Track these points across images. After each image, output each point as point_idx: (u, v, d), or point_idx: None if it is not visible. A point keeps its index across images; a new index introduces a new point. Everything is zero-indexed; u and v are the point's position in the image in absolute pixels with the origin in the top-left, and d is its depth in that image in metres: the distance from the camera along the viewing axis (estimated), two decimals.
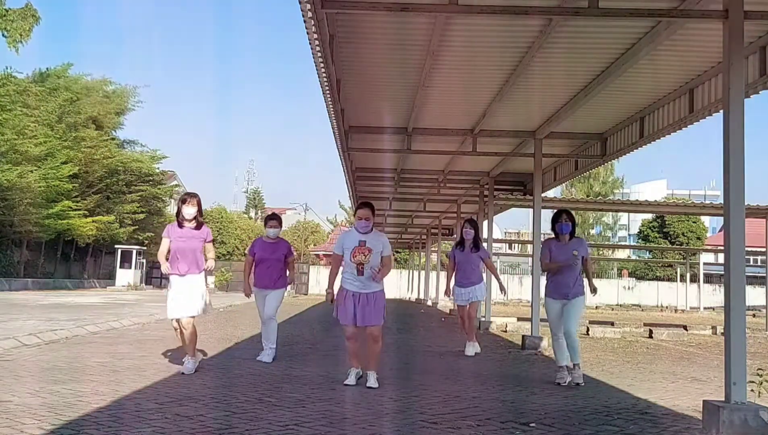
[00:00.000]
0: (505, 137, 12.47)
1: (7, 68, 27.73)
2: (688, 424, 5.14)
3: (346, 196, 20.81)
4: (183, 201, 6.82)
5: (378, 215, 27.54)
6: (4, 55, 44.51)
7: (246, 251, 8.42)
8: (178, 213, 6.82)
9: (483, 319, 14.94)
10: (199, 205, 6.80)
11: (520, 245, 57.93)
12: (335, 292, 6.34)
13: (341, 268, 6.34)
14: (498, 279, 10.31)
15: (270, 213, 8.74)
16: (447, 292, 9.98)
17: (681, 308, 38.21)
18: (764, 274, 21.00)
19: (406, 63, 8.57)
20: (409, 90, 9.68)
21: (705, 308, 37.47)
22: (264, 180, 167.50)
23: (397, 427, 4.64)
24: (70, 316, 12.87)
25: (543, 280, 7.97)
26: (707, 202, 45.56)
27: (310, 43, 6.80)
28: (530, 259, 27.33)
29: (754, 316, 24.48)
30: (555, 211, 7.55)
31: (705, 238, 57.70)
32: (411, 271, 44.49)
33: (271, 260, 8.04)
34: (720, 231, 60.00)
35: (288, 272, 8.15)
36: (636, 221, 69.36)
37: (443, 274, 36.86)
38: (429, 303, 31.06)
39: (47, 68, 32.86)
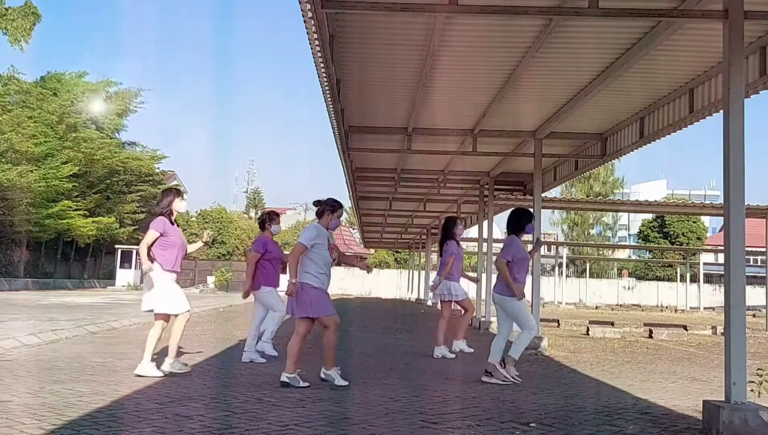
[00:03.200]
0: (505, 137, 12.47)
1: (10, 67, 27.82)
2: (688, 424, 5.13)
3: (346, 196, 20.78)
4: (180, 194, 6.61)
5: (378, 215, 27.53)
6: (8, 55, 44.57)
7: (252, 249, 8.10)
8: (168, 206, 6.47)
9: (483, 319, 14.95)
10: None
11: None
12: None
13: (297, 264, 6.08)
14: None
15: (270, 211, 8.72)
16: (434, 288, 9.68)
17: (681, 308, 38.22)
18: (764, 274, 21.00)
19: (406, 63, 8.57)
20: (409, 90, 9.68)
21: (705, 308, 37.47)
22: (264, 180, 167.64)
23: (397, 427, 4.64)
24: (70, 316, 12.87)
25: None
26: (707, 202, 45.61)
27: (310, 43, 6.80)
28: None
29: (754, 316, 24.48)
30: (519, 208, 7.46)
31: (705, 238, 57.77)
32: (411, 271, 44.47)
33: (280, 258, 8.13)
34: (720, 231, 60.01)
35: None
36: (636, 221, 69.40)
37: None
38: (429, 303, 31.04)
39: (49, 71, 32.96)
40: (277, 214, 8.42)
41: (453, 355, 9.02)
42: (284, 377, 6.03)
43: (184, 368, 6.49)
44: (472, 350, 9.32)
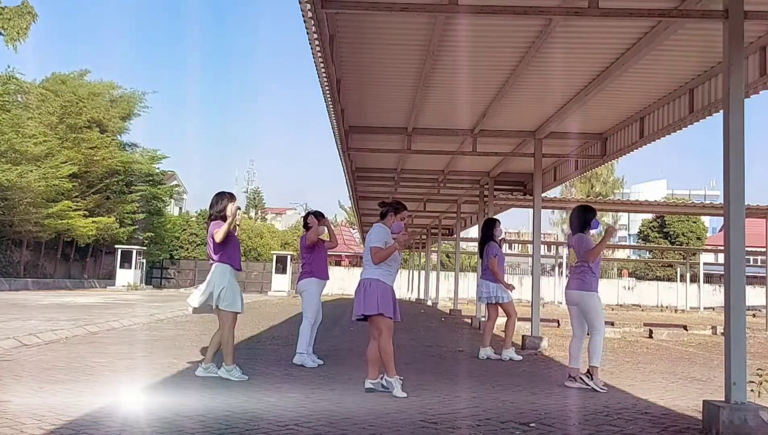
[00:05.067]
0: (505, 137, 12.47)
1: (8, 67, 27.81)
2: (688, 424, 5.14)
3: (346, 196, 20.80)
4: (233, 199, 6.72)
5: (378, 215, 27.48)
6: (9, 55, 44.56)
7: (302, 243, 8.22)
8: (223, 210, 6.59)
9: (483, 318, 14.95)
10: None
11: (520, 245, 57.94)
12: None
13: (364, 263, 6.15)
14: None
15: (316, 211, 8.58)
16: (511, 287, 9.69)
17: (681, 308, 38.21)
18: (764, 274, 21.00)
19: (406, 63, 8.57)
20: (409, 90, 9.69)
21: (705, 308, 37.48)
22: (264, 180, 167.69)
23: (397, 427, 4.64)
24: (70, 316, 12.87)
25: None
26: (707, 202, 45.58)
27: (310, 43, 6.80)
28: (530, 259, 27.36)
29: (754, 316, 24.47)
30: (582, 205, 7.43)
31: (705, 238, 57.70)
32: (411, 271, 44.50)
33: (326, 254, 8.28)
34: (720, 231, 59.99)
35: None
36: (636, 221, 69.40)
37: (443, 275, 37.00)
38: (429, 303, 31.06)
39: (54, 72, 32.98)
40: (323, 215, 8.39)
41: (498, 356, 9.14)
42: (368, 383, 6.01)
43: (243, 377, 6.50)
44: (500, 356, 9.22)
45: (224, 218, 6.58)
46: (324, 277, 8.11)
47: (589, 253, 6.87)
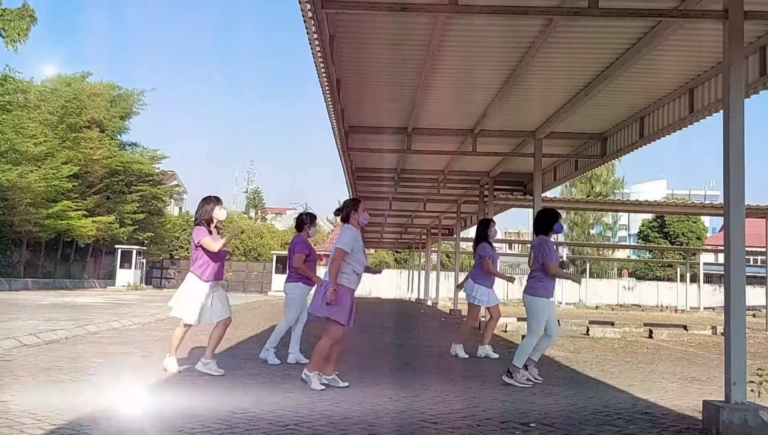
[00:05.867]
0: (505, 137, 12.48)
1: (6, 66, 27.80)
2: (688, 424, 5.13)
3: (346, 196, 20.82)
4: (219, 202, 6.58)
5: (378, 215, 27.53)
6: (9, 56, 44.52)
7: (295, 250, 7.82)
8: (208, 214, 6.48)
9: (483, 318, 14.94)
10: None
11: (520, 245, 57.97)
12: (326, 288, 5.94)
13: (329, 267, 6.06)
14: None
15: (309, 212, 8.50)
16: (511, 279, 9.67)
17: (681, 308, 38.19)
18: (764, 274, 21.01)
19: (406, 63, 8.58)
20: (409, 90, 9.69)
21: (705, 308, 37.45)
22: (264, 180, 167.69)
23: (397, 427, 4.64)
24: (70, 316, 12.86)
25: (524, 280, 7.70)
26: (707, 202, 45.61)
27: (310, 43, 6.81)
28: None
29: (754, 316, 24.47)
30: (545, 209, 7.48)
31: (705, 238, 57.72)
32: (411, 271, 44.49)
33: (315, 260, 8.10)
34: (720, 231, 59.98)
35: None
36: (636, 221, 69.38)
37: (443, 274, 36.96)
38: (429, 303, 31.05)
39: (60, 74, 32.99)
40: (315, 217, 8.24)
41: (497, 356, 9.17)
42: (303, 374, 6.07)
43: (219, 371, 6.54)
44: (497, 356, 9.20)
45: (208, 223, 6.50)
46: (311, 284, 7.88)
47: (548, 266, 6.88)
